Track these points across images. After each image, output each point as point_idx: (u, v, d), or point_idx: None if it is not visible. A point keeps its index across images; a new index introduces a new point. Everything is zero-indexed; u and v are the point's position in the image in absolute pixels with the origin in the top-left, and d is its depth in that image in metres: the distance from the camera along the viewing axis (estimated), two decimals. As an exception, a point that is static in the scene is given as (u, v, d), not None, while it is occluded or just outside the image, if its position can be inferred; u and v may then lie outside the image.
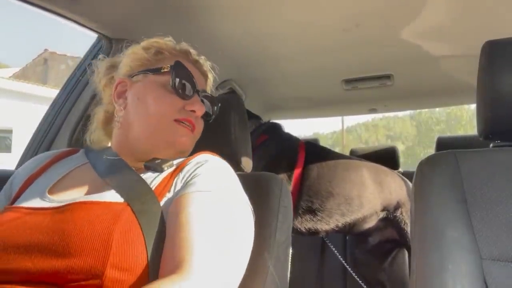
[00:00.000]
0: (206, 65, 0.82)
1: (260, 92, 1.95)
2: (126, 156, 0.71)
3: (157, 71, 0.72)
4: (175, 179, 0.64)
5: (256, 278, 0.70)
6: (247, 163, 0.91)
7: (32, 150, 1.13)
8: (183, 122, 0.71)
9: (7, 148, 10.78)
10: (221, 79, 1.67)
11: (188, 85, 0.72)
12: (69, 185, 0.66)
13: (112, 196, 0.59)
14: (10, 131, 10.87)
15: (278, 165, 1.45)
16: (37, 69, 15.70)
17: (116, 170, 0.66)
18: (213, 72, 0.84)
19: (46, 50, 16.08)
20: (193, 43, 0.81)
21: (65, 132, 1.13)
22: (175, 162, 0.69)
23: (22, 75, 14.59)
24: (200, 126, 0.77)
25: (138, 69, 0.74)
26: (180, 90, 0.71)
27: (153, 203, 0.58)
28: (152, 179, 0.65)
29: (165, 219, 0.58)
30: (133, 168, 0.67)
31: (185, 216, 0.55)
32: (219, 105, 0.83)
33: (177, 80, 0.71)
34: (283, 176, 1.44)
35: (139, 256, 0.51)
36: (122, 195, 0.59)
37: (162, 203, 0.60)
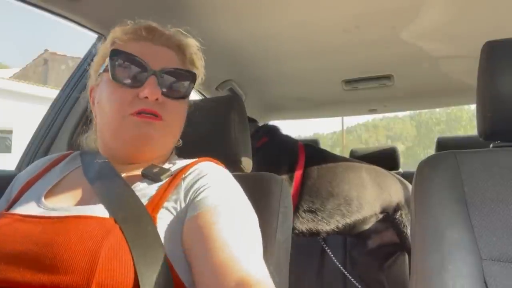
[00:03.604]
0: (176, 35, 0.72)
1: (260, 92, 1.95)
2: (114, 160, 0.68)
3: (106, 67, 0.66)
4: (176, 188, 0.62)
5: (256, 278, 0.70)
6: (247, 163, 0.91)
7: (32, 150, 1.12)
8: (140, 113, 0.63)
9: (7, 149, 10.78)
10: (221, 79, 1.67)
11: (134, 70, 0.64)
12: (63, 190, 0.65)
13: (102, 210, 0.57)
14: (10, 132, 10.88)
15: (279, 167, 1.46)
16: (37, 70, 15.69)
17: (104, 176, 0.64)
18: (190, 36, 0.74)
19: (46, 50, 16.10)
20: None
21: (65, 133, 1.13)
22: (173, 169, 0.67)
23: (22, 76, 14.57)
24: (169, 110, 0.67)
25: (99, 70, 0.70)
26: (125, 80, 0.64)
27: (142, 218, 0.56)
28: (148, 189, 0.62)
29: (163, 231, 0.56)
30: (128, 174, 0.65)
31: (217, 234, 0.54)
32: (192, 77, 0.71)
33: (117, 70, 0.64)
34: (284, 177, 1.44)
35: (127, 274, 0.49)
36: (110, 211, 0.57)
37: (159, 213, 0.58)
